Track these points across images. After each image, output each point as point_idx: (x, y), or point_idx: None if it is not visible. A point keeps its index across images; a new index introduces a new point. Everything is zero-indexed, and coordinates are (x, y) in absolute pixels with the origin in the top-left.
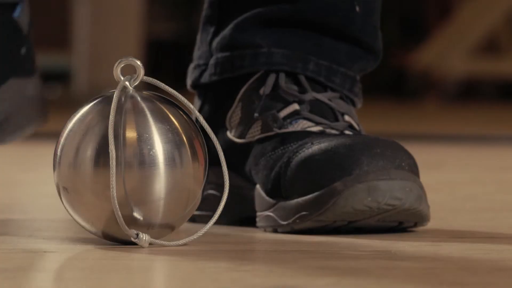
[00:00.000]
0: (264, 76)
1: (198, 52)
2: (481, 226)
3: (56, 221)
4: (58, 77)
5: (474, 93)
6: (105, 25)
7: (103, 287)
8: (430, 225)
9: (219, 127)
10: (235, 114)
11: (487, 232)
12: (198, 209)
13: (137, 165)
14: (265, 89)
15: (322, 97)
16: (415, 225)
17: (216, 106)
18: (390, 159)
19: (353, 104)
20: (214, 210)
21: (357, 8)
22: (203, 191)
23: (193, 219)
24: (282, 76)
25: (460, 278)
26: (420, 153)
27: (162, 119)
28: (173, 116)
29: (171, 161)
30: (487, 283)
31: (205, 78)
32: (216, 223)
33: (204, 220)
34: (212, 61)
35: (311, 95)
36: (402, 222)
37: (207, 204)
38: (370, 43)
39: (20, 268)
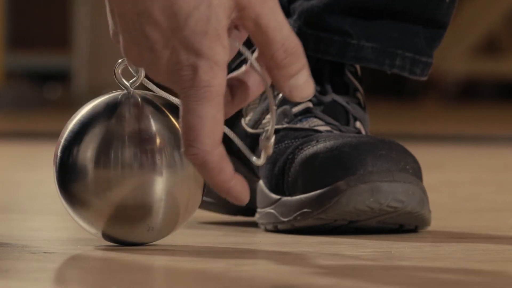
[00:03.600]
0: None
1: None
2: (481, 226)
3: (56, 221)
4: (58, 77)
5: (474, 93)
6: (105, 25)
7: (103, 287)
8: (430, 225)
9: (236, 114)
10: (253, 102)
11: (487, 232)
12: None
13: (137, 166)
14: None
15: (341, 99)
16: (416, 228)
17: None
18: (394, 162)
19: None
20: (217, 198)
21: None
22: (203, 191)
23: None
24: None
25: (460, 278)
26: (420, 153)
27: (162, 120)
28: (173, 117)
29: (171, 162)
30: (487, 283)
31: None
32: (216, 214)
33: (207, 207)
34: (292, 27)
35: (330, 96)
36: (403, 225)
37: (211, 191)
38: (446, 22)
39: (20, 268)
